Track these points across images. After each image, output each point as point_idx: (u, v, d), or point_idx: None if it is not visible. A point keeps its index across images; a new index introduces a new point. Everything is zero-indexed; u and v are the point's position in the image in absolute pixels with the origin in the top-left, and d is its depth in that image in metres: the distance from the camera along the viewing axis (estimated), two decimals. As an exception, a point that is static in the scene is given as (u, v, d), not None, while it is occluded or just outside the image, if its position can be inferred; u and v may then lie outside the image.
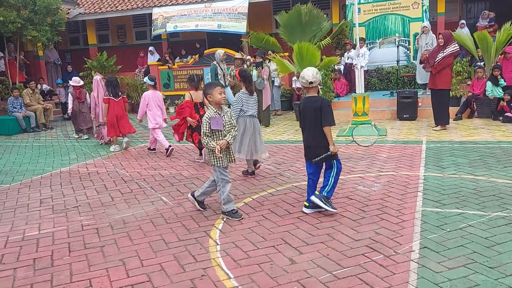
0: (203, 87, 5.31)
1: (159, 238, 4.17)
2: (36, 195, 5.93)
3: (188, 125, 7.17)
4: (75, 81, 10.67)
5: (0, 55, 14.34)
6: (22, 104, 12.34)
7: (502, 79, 9.94)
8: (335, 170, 4.51)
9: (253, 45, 13.16)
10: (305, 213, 4.58)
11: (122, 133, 8.88)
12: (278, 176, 6.14)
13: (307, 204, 4.61)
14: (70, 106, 10.76)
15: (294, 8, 12.47)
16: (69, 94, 11.00)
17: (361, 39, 12.45)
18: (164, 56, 15.88)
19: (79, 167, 7.49)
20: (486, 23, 13.38)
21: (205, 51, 15.39)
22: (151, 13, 15.65)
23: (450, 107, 9.09)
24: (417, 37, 12.17)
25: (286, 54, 12.47)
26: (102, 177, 6.68)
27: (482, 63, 11.02)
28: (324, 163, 4.58)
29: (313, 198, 4.47)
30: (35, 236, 4.44)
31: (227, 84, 10.89)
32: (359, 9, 12.78)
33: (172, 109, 15.23)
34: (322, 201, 4.43)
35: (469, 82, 11.04)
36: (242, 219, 4.52)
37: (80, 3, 17.38)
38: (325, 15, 13.07)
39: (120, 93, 8.88)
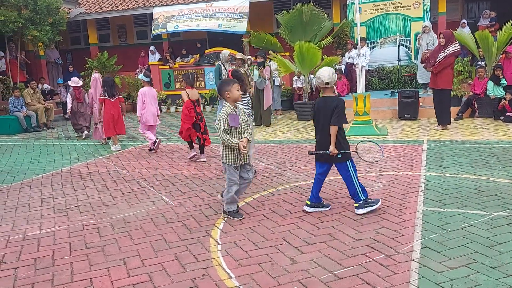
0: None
1: (160, 237, 4.17)
2: (37, 195, 5.94)
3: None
4: (74, 81, 10.80)
5: (1, 55, 14.36)
6: (23, 104, 12.36)
7: (504, 79, 9.93)
8: (352, 171, 4.44)
9: (254, 45, 13.16)
10: (306, 212, 4.58)
11: (118, 133, 8.95)
12: (279, 175, 6.14)
13: (308, 203, 4.61)
14: (69, 106, 10.90)
15: (295, 7, 12.48)
16: (68, 95, 11.16)
17: (362, 38, 12.44)
18: (164, 56, 15.89)
19: (80, 167, 7.49)
20: (487, 23, 13.37)
21: (206, 51, 15.40)
22: (152, 13, 15.66)
23: (451, 107, 9.08)
24: (418, 37, 12.17)
25: (287, 53, 12.48)
26: (103, 177, 6.69)
27: (483, 63, 11.01)
28: (337, 168, 4.53)
29: (359, 211, 4.41)
30: (36, 235, 4.44)
31: None
32: (360, 8, 12.76)
33: (172, 109, 15.25)
34: (365, 207, 4.42)
35: (470, 82, 11.03)
36: (243, 218, 4.52)
37: (81, 2, 17.39)
38: (326, 15, 13.08)
39: (116, 94, 8.93)
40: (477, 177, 5.48)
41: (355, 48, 12.49)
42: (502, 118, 9.37)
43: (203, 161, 7.29)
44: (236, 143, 4.35)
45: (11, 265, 3.78)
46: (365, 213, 4.42)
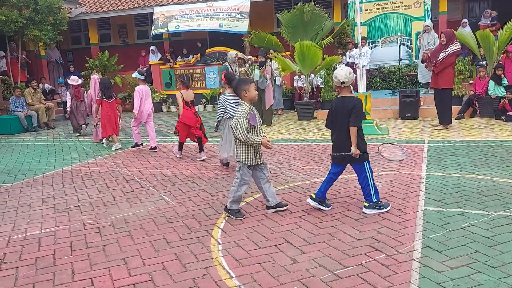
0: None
1: (161, 237, 4.17)
2: (38, 194, 5.94)
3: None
4: (74, 80, 10.91)
5: (2, 55, 14.37)
6: (24, 104, 12.37)
7: (505, 78, 9.92)
8: (368, 172, 4.44)
9: (255, 45, 13.17)
10: (309, 204, 4.57)
11: (114, 133, 9.07)
12: (279, 175, 6.14)
13: (313, 196, 4.59)
14: (68, 104, 11.05)
15: (296, 7, 12.48)
16: (68, 93, 11.31)
17: (363, 38, 12.43)
18: (165, 56, 15.89)
19: (81, 166, 7.50)
20: (489, 22, 13.35)
21: (207, 50, 15.39)
22: (152, 12, 15.66)
23: (452, 106, 9.06)
24: (419, 36, 12.15)
25: (288, 53, 12.48)
26: (104, 176, 6.69)
27: (484, 62, 11.00)
28: (353, 167, 4.53)
29: (366, 211, 4.42)
30: (37, 235, 4.45)
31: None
32: (361, 8, 12.74)
33: (173, 109, 15.25)
34: (374, 209, 4.42)
35: (471, 81, 11.02)
36: (243, 218, 4.51)
37: (81, 2, 17.40)
38: (326, 14, 13.08)
39: (113, 95, 9.11)
40: (478, 177, 5.47)
41: (356, 48, 12.48)
42: (503, 117, 9.35)
43: (203, 160, 7.30)
44: (259, 141, 4.36)
45: (12, 265, 3.79)
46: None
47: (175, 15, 15.21)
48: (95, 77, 9.85)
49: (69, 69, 16.21)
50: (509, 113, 9.31)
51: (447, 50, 8.41)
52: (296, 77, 12.91)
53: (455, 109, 9.69)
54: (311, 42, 11.15)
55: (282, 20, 12.84)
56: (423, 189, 5.11)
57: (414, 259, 3.41)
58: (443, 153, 6.82)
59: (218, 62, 14.79)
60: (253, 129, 4.43)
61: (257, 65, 10.87)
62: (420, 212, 4.40)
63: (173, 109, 15.35)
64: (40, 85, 14.67)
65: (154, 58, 16.12)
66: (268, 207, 4.66)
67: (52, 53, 16.93)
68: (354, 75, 4.58)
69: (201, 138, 7.39)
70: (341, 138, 4.49)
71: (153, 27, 15.50)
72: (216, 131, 6.67)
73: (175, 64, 15.52)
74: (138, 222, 4.63)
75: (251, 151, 4.43)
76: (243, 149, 4.43)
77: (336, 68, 12.10)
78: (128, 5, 16.31)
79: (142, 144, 8.73)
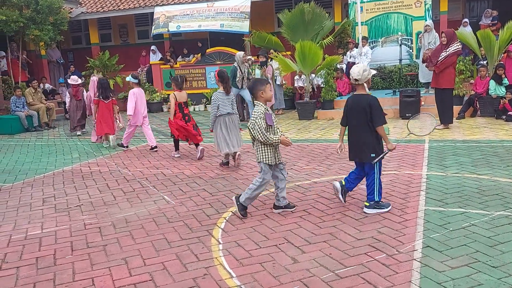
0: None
1: (162, 237, 4.18)
2: (38, 194, 5.95)
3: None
4: (74, 79, 11.09)
5: (2, 55, 14.37)
6: (25, 103, 12.38)
7: (506, 78, 9.91)
8: (377, 173, 4.42)
9: (256, 44, 13.17)
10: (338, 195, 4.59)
11: (109, 132, 9.22)
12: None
13: (343, 183, 4.62)
14: (67, 103, 11.32)
15: (297, 6, 12.48)
16: (67, 92, 11.52)
17: (363, 37, 12.45)
18: (165, 56, 15.90)
19: (82, 166, 7.50)
20: (489, 22, 13.33)
21: (207, 50, 15.39)
22: (153, 12, 15.66)
23: (453, 106, 9.06)
24: (419, 36, 12.14)
25: (289, 53, 12.47)
26: (104, 176, 6.69)
27: (485, 62, 10.99)
28: (364, 165, 4.52)
29: (367, 211, 4.43)
30: (38, 235, 4.45)
31: (245, 87, 10.92)
32: (361, 7, 12.77)
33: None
34: (375, 208, 4.42)
35: (472, 81, 11.01)
36: (244, 218, 4.51)
37: (82, 2, 17.41)
38: (327, 14, 13.08)
39: (110, 96, 9.24)
40: (479, 177, 5.47)
41: (357, 47, 12.51)
42: (504, 117, 9.34)
43: (202, 150, 7.43)
44: (277, 139, 4.36)
45: (13, 265, 3.79)
46: (372, 214, 4.41)
47: (175, 15, 15.21)
48: (95, 79, 9.96)
49: (70, 69, 16.21)
50: (509, 112, 9.30)
51: (447, 50, 8.40)
52: (296, 77, 12.90)
53: (456, 109, 9.68)
54: (311, 42, 11.15)
55: (282, 19, 12.84)
56: (423, 188, 5.11)
57: (414, 259, 3.41)
58: (443, 153, 6.81)
59: (219, 62, 14.79)
60: (270, 129, 4.43)
61: (258, 65, 10.87)
62: (420, 211, 4.40)
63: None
64: (41, 85, 14.67)
65: (154, 58, 16.11)
66: (276, 207, 4.66)
67: (52, 53, 16.94)
68: (373, 72, 4.51)
69: (193, 138, 7.50)
70: (355, 137, 4.48)
71: (153, 27, 15.50)
72: (212, 131, 6.71)
73: (176, 63, 15.53)
74: (138, 222, 4.63)
75: (270, 151, 4.43)
76: (262, 149, 4.44)
77: (337, 68, 12.17)
78: (129, 5, 16.31)
79: (127, 147, 8.81)
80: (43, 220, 4.89)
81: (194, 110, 14.76)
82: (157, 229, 4.38)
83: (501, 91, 9.81)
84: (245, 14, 14.33)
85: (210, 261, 3.60)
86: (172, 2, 15.65)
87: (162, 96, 15.27)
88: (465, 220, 4.11)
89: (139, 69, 16.61)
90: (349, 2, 13.77)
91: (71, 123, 11.21)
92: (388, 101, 11.36)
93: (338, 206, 4.68)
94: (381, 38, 13.60)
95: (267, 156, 4.43)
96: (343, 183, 4.62)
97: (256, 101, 4.50)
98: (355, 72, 4.40)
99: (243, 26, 14.21)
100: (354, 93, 4.55)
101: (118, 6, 16.43)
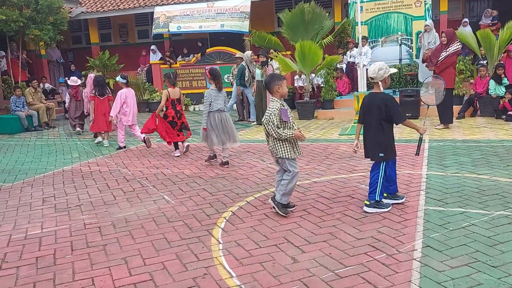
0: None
1: (162, 237, 4.18)
2: (38, 194, 5.95)
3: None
4: (73, 80, 11.27)
5: (2, 54, 14.37)
6: (25, 103, 12.38)
7: (506, 78, 9.90)
8: (382, 174, 4.42)
9: (256, 44, 13.17)
10: (366, 211, 4.52)
11: (105, 130, 9.39)
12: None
13: (385, 194, 4.57)
14: (67, 103, 11.55)
15: (297, 6, 12.48)
16: (67, 93, 11.74)
17: (363, 37, 12.43)
18: (165, 55, 15.90)
19: (82, 166, 7.50)
20: (489, 21, 13.33)
21: (207, 50, 15.40)
22: (153, 12, 15.65)
23: (453, 106, 9.05)
24: (419, 36, 12.14)
25: (288, 52, 12.47)
26: (104, 176, 6.69)
27: (485, 62, 10.98)
28: (373, 163, 4.53)
29: (367, 209, 4.43)
30: (38, 234, 4.45)
31: (250, 85, 10.96)
32: (361, 7, 12.75)
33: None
34: (375, 208, 4.42)
35: (472, 81, 11.01)
36: (288, 214, 4.46)
37: (82, 2, 17.41)
38: (327, 14, 13.07)
39: (106, 92, 9.37)
40: (478, 176, 5.47)
41: (357, 47, 12.48)
42: (503, 117, 9.34)
43: (187, 146, 7.75)
44: (291, 134, 4.32)
45: (13, 264, 3.79)
46: (371, 213, 4.41)
47: (176, 16, 15.20)
48: (92, 76, 10.13)
49: (70, 69, 16.22)
50: (509, 112, 9.30)
51: (448, 49, 8.40)
52: (296, 77, 12.89)
53: (456, 109, 9.68)
54: (311, 42, 11.14)
55: (283, 19, 12.84)
56: (423, 188, 5.11)
57: (414, 259, 3.41)
58: (443, 153, 6.81)
59: (219, 62, 14.80)
60: (285, 124, 4.39)
61: (259, 65, 10.88)
62: (420, 211, 4.40)
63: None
64: (41, 84, 14.68)
65: (154, 57, 16.11)
66: (273, 200, 4.64)
67: (52, 52, 16.94)
68: (390, 71, 4.50)
69: (186, 134, 7.90)
70: (369, 134, 4.49)
71: (153, 27, 15.50)
72: (206, 129, 6.76)
73: (175, 63, 15.53)
74: (138, 221, 4.63)
75: (288, 145, 4.41)
76: (280, 144, 4.41)
77: (337, 67, 12.17)
78: (129, 5, 16.31)
79: (125, 147, 8.83)
80: (43, 219, 4.89)
81: (194, 110, 14.76)
82: (157, 229, 4.38)
83: (501, 91, 9.81)
84: (245, 14, 14.33)
85: (210, 261, 3.60)
86: (172, 2, 15.64)
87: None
88: (465, 219, 4.12)
89: (139, 69, 16.63)
90: (349, 1, 13.77)
91: (71, 121, 11.43)
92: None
93: (338, 206, 4.68)
94: (381, 38, 13.60)
95: (286, 150, 4.40)
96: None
97: (272, 97, 4.47)
98: (370, 70, 4.44)
99: (243, 26, 14.21)
100: (370, 92, 4.58)
101: (118, 6, 16.43)
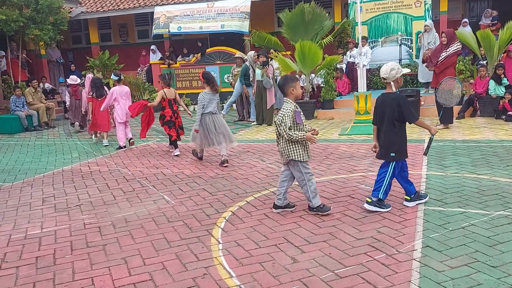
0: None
1: (161, 236, 4.18)
2: (38, 194, 5.95)
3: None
4: (73, 79, 11.51)
5: (2, 54, 14.37)
6: (25, 103, 12.38)
7: (505, 78, 9.90)
8: (390, 173, 4.42)
9: (256, 44, 13.17)
10: (406, 205, 4.53)
11: (102, 130, 9.52)
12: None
13: (408, 198, 4.56)
14: (67, 102, 11.82)
15: (297, 6, 12.48)
16: (66, 92, 11.95)
17: (363, 37, 12.43)
18: (164, 55, 15.89)
19: (81, 166, 7.50)
20: (489, 22, 13.33)
21: (207, 50, 15.39)
22: (153, 12, 15.65)
23: (453, 106, 9.04)
24: (419, 36, 12.14)
25: (288, 52, 12.47)
26: (104, 176, 6.69)
27: (484, 62, 10.98)
28: (384, 161, 4.53)
29: (367, 207, 4.42)
30: (38, 234, 4.45)
31: (253, 85, 10.96)
32: (361, 7, 12.74)
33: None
34: (376, 206, 4.42)
35: (471, 81, 11.01)
36: (330, 211, 4.44)
37: (82, 2, 17.40)
38: (327, 14, 13.07)
39: (103, 94, 9.43)
40: (478, 176, 5.47)
41: (356, 47, 12.48)
42: (503, 117, 9.34)
43: (177, 155, 7.78)
44: (303, 135, 4.29)
45: (13, 264, 3.79)
46: (371, 211, 4.41)
47: (176, 16, 15.19)
48: (89, 76, 10.25)
49: (71, 69, 16.21)
50: (509, 112, 9.30)
51: (448, 50, 8.39)
52: (296, 77, 12.91)
53: (456, 109, 9.68)
54: (311, 42, 11.14)
55: (283, 19, 12.84)
56: (423, 188, 5.11)
57: (414, 259, 3.41)
58: (443, 153, 6.81)
59: (219, 62, 14.80)
60: (298, 127, 4.38)
61: (260, 65, 10.88)
62: (420, 211, 4.40)
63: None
64: (41, 84, 14.67)
65: (154, 57, 16.11)
66: (276, 207, 4.64)
67: (52, 52, 16.94)
68: (403, 70, 4.53)
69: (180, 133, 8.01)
70: (382, 134, 4.50)
71: (153, 27, 15.49)
72: (197, 131, 6.84)
73: (175, 63, 15.52)
74: (138, 221, 4.63)
75: (300, 147, 4.38)
76: (291, 147, 4.38)
77: (337, 67, 12.17)
78: (129, 5, 16.30)
79: (125, 146, 8.83)
80: (43, 219, 4.89)
81: (194, 110, 14.73)
82: (157, 229, 4.38)
83: (501, 91, 9.81)
84: (245, 14, 14.33)
85: (209, 261, 3.60)
86: (172, 2, 15.63)
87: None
88: (464, 220, 4.12)
89: (139, 69, 16.62)
90: (349, 2, 13.77)
91: (71, 120, 11.69)
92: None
93: (338, 206, 4.69)
94: (381, 38, 13.60)
95: (298, 153, 4.37)
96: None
97: (285, 98, 4.45)
98: (382, 70, 4.46)
99: (243, 26, 14.21)
100: (383, 92, 4.59)
101: (118, 6, 16.42)
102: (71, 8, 16.45)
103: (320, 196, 5.01)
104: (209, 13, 14.84)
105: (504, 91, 9.75)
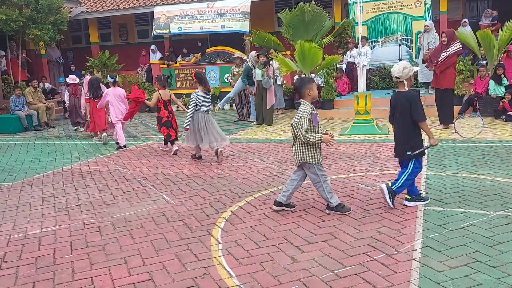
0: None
1: (161, 236, 4.18)
2: (38, 194, 5.95)
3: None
4: (72, 78, 11.58)
5: (2, 54, 14.37)
6: (24, 103, 12.37)
7: (505, 78, 9.90)
8: (409, 171, 4.46)
9: (256, 44, 13.16)
10: (406, 205, 4.56)
11: (100, 129, 9.61)
12: (280, 174, 6.13)
13: (408, 197, 4.61)
14: (67, 101, 11.83)
15: (297, 6, 12.48)
16: (66, 91, 11.98)
17: (363, 37, 12.42)
18: (164, 55, 15.89)
19: (81, 166, 7.50)
20: (489, 22, 13.32)
21: (207, 50, 15.39)
22: (153, 12, 15.64)
23: (453, 106, 9.05)
24: (419, 36, 12.14)
25: (288, 52, 12.47)
26: (104, 176, 6.69)
27: (484, 62, 10.98)
28: (402, 161, 4.58)
29: (382, 186, 4.48)
30: (37, 234, 4.45)
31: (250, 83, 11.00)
32: (361, 7, 12.74)
33: (173, 108, 15.23)
34: (388, 195, 4.45)
35: (471, 81, 11.01)
36: (350, 211, 4.45)
37: (82, 1, 17.40)
38: (327, 14, 13.07)
39: (100, 94, 9.51)
40: (478, 177, 5.47)
41: (356, 47, 12.48)
42: (503, 117, 9.34)
43: (176, 149, 7.87)
44: (320, 137, 4.27)
45: (12, 264, 3.79)
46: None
47: (176, 16, 15.17)
48: (88, 78, 10.38)
49: (71, 68, 16.21)
50: (509, 112, 9.30)
51: (448, 50, 8.39)
52: (296, 77, 12.89)
53: (456, 109, 9.67)
54: (311, 42, 11.13)
55: (283, 19, 12.83)
56: (423, 188, 5.11)
57: (414, 259, 3.41)
58: (443, 153, 6.81)
59: (219, 62, 14.79)
60: (314, 129, 4.36)
61: (260, 65, 10.88)
62: (420, 211, 4.40)
63: (173, 108, 15.32)
64: (41, 84, 14.67)
65: (154, 57, 16.10)
66: (277, 204, 4.63)
67: (52, 52, 16.93)
68: (414, 68, 4.57)
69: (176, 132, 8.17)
70: (397, 132, 4.55)
71: (154, 27, 15.48)
72: (187, 129, 7.08)
73: (175, 63, 15.52)
74: (138, 221, 4.63)
75: (315, 150, 4.37)
76: (307, 149, 4.36)
77: (337, 67, 12.16)
78: (129, 5, 16.30)
79: (125, 146, 8.83)
80: (43, 219, 4.89)
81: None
82: (157, 229, 4.38)
83: (501, 91, 9.81)
84: (245, 14, 14.32)
85: (209, 261, 3.60)
86: (172, 2, 15.63)
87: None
88: (464, 220, 4.12)
89: (139, 69, 16.61)
90: (349, 2, 13.76)
91: (71, 120, 11.71)
92: (388, 101, 11.28)
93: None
94: (380, 38, 13.59)
95: (313, 155, 4.36)
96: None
97: (302, 100, 4.43)
98: (395, 70, 4.48)
99: (243, 26, 14.20)
100: (396, 91, 4.63)
101: (118, 6, 16.42)
102: (71, 8, 16.44)
103: (320, 196, 5.02)
104: (209, 13, 14.83)
105: (504, 91, 9.75)
